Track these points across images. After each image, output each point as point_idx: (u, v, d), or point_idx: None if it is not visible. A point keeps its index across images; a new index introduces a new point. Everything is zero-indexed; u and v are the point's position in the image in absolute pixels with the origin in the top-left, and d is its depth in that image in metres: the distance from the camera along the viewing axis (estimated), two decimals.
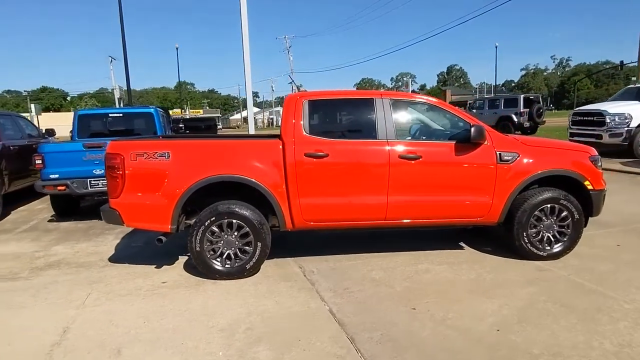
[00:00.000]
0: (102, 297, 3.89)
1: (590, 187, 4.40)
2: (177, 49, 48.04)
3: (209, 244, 4.09)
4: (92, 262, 4.88)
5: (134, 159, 4.01)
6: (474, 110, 21.17)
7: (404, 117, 4.44)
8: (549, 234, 4.41)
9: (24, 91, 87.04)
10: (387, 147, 4.18)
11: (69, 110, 76.35)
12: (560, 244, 4.42)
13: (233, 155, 4.13)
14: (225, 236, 4.11)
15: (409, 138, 4.38)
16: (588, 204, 4.44)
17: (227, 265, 4.13)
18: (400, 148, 4.20)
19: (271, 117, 77.87)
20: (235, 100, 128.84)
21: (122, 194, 4.04)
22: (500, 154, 4.29)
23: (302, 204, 4.16)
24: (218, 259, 4.13)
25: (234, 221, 4.08)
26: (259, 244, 4.12)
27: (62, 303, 3.79)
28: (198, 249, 4.07)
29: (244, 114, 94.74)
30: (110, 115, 8.21)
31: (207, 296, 3.82)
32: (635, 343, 2.84)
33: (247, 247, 4.13)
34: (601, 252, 4.64)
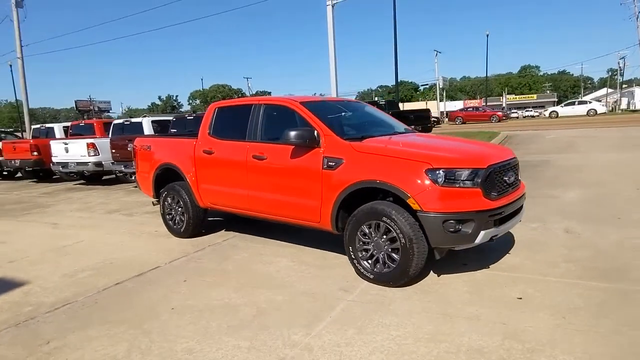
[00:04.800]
0: (118, 231, 6.43)
1: (416, 206, 3.49)
2: (487, 35, 46.72)
3: (168, 209, 5.94)
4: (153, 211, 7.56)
5: (140, 149, 6.29)
6: None
7: (270, 121, 4.77)
8: (380, 255, 3.82)
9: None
10: (247, 148, 4.77)
11: (417, 101, 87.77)
12: (389, 269, 3.76)
13: (173, 149, 5.76)
14: (174, 206, 5.84)
15: (265, 140, 4.71)
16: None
17: (174, 227, 5.87)
18: (254, 149, 4.69)
19: (621, 99, 64.01)
20: (590, 82, 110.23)
21: (137, 171, 6.43)
22: (326, 159, 4.06)
23: (202, 189, 5.35)
24: (171, 222, 5.92)
25: (175, 197, 5.75)
26: (186, 215, 5.63)
27: (99, 227, 6.65)
28: (162, 212, 6.00)
29: (591, 96, 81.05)
30: None
31: (149, 242, 5.73)
32: None
33: (182, 217, 5.73)
34: (467, 296, 3.53)
